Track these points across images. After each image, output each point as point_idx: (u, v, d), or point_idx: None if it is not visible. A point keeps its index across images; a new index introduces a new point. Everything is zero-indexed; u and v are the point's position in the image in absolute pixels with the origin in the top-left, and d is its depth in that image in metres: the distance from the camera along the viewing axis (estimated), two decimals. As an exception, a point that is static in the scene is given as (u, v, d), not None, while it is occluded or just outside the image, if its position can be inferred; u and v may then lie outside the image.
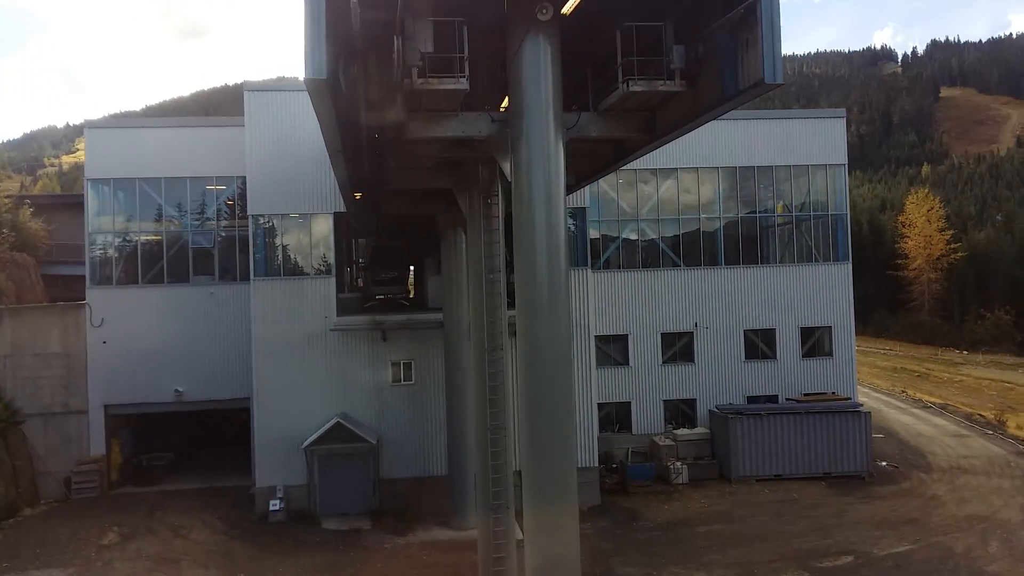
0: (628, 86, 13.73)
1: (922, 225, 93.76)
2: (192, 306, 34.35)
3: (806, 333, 37.03)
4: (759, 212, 36.96)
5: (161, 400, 34.11)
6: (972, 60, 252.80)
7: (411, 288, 41.63)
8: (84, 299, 34.15)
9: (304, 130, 29.42)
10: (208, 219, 34.87)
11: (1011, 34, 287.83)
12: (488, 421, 20.02)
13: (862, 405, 35.00)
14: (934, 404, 52.90)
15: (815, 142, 37.07)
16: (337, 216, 31.28)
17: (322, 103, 13.37)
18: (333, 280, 30.27)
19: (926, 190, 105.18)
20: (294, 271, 30.35)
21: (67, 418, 34.01)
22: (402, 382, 30.02)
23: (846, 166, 37.76)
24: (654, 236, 36.26)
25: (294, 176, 30.08)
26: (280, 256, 30.15)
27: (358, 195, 28.84)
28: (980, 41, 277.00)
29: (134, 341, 33.76)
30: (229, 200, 34.54)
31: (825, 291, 37.12)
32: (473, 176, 20.24)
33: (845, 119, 38.14)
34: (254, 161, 30.07)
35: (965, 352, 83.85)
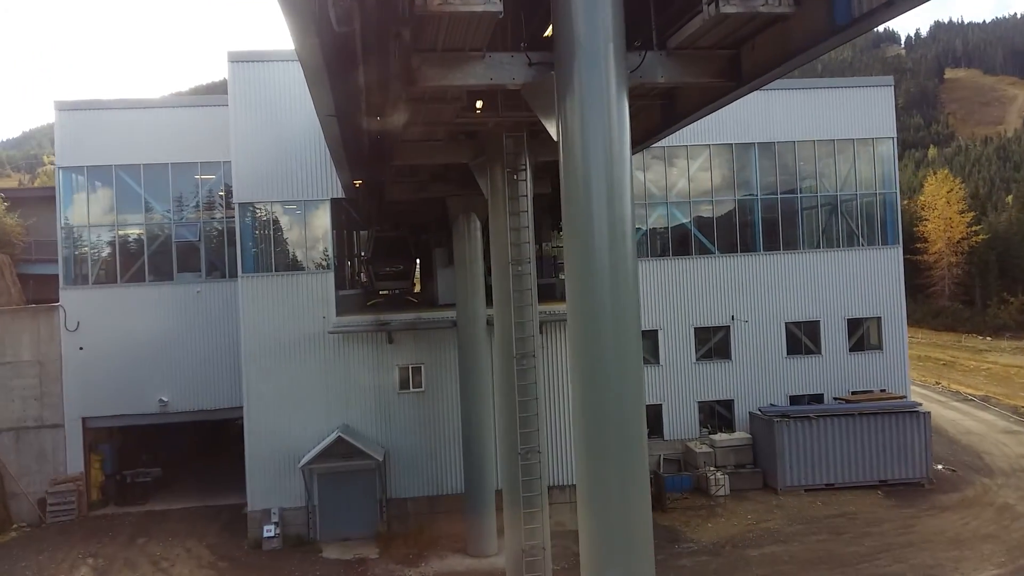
0: (717, 7, 9.97)
1: (942, 207, 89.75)
2: (177, 306, 30.70)
3: (853, 325, 33.31)
4: (800, 192, 33.19)
5: (144, 411, 30.49)
6: (976, 40, 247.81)
7: (416, 282, 37.91)
8: (57, 301, 30.53)
9: (298, 107, 25.73)
10: (194, 209, 31.18)
11: (1016, 13, 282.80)
12: (518, 443, 16.39)
13: (920, 404, 31.29)
14: (975, 396, 49.21)
15: (860, 113, 33.26)
16: (336, 204, 27.62)
17: (305, 39, 9.68)
18: (332, 276, 26.58)
19: (946, 171, 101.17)
20: (287, 266, 26.66)
21: (41, 433, 30.38)
22: (411, 389, 26.36)
23: (895, 139, 33.96)
24: (684, 220, 32.53)
25: (286, 159, 26.37)
26: (271, 249, 26.47)
27: (357, 182, 25.26)
28: (984, 21, 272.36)
29: (113, 346, 30.14)
30: (221, 191, 30.79)
31: (873, 278, 33.37)
32: (495, 148, 16.57)
33: (893, 87, 34.30)
34: (240, 142, 26.35)
35: (989, 338, 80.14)
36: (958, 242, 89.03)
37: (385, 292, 31.93)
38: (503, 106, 15.32)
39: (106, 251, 31.03)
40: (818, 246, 33.13)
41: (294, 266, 26.61)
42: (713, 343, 32.63)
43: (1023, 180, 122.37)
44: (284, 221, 26.88)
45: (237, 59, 26.39)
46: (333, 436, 24.86)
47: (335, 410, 25.95)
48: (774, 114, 32.28)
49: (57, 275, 30.87)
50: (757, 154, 32.75)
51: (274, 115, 26.50)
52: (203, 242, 30.97)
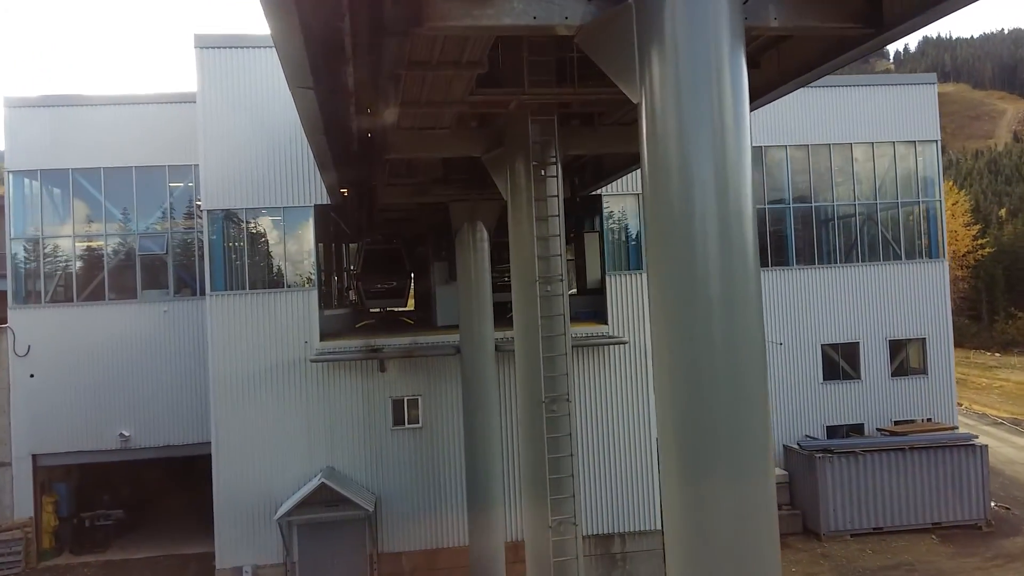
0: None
1: (947, 220, 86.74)
2: (141, 328, 26.86)
3: (895, 347, 29.80)
4: (835, 200, 29.72)
5: (102, 447, 26.62)
6: (965, 55, 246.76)
7: (410, 299, 34.11)
8: (5, 322, 26.67)
9: (277, 100, 22.00)
10: (161, 218, 27.43)
11: (1003, 29, 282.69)
12: (549, 515, 12.67)
13: (976, 436, 27.76)
14: (1004, 420, 45.82)
15: (900, 114, 29.92)
16: (321, 211, 23.97)
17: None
18: (315, 294, 22.83)
19: (951, 183, 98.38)
20: (264, 283, 22.90)
21: (-16, 472, 26.51)
22: (406, 425, 22.59)
23: (938, 143, 30.60)
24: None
25: (263, 160, 22.67)
26: (245, 264, 22.71)
27: (345, 191, 21.63)
28: (972, 37, 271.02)
29: (68, 374, 26.28)
30: (199, 201, 27.04)
31: (916, 295, 29.89)
32: (517, 136, 12.95)
33: (936, 85, 30.97)
34: (209, 141, 22.64)
35: (998, 355, 77.08)
36: (963, 256, 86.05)
37: (377, 310, 28.21)
38: (530, 81, 11.77)
39: (61, 265, 27.22)
40: (856, 259, 29.65)
41: (272, 283, 22.87)
42: (742, 368, 28.97)
43: (1007, 196, 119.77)
44: (260, 231, 23.16)
45: (205, 44, 22.70)
46: (315, 482, 21.05)
47: (318, 451, 22.18)
48: (807, 113, 28.83)
49: (5, 292, 27.02)
50: (789, 157, 29.30)
51: (249, 110, 22.83)
52: (171, 255, 27.19)
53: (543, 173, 12.90)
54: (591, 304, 25.78)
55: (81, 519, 28.13)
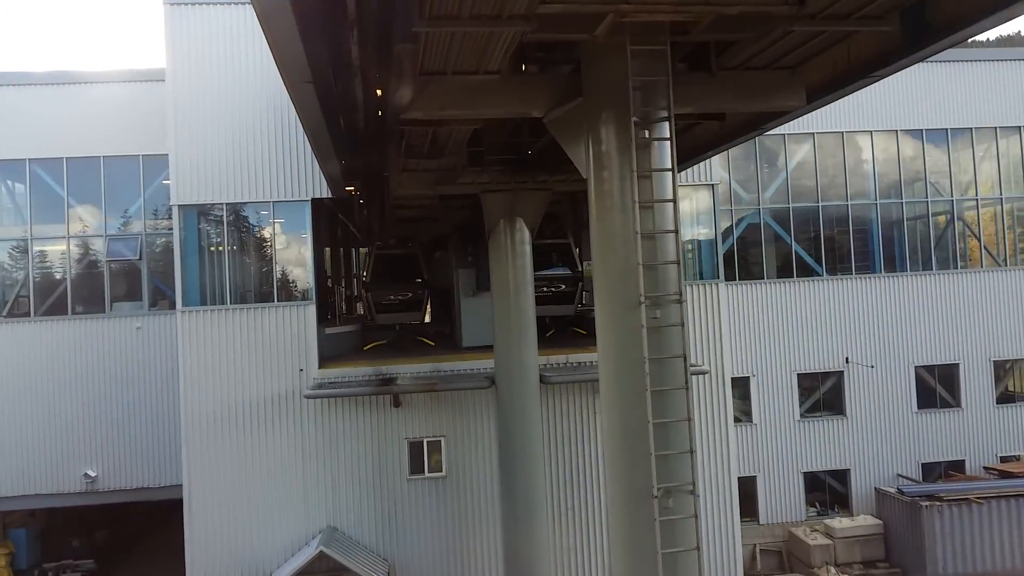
0: None
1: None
2: (110, 348, 22.30)
3: (1000, 369, 24.90)
4: (929, 197, 24.88)
5: (64, 490, 22.04)
6: None
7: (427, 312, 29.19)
8: (-51, 340, 22.18)
9: (264, 70, 17.47)
10: (134, 217, 22.88)
11: None
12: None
13: (1111, 479, 22.80)
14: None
15: (1004, 95, 25.06)
16: (320, 208, 19.38)
17: None
18: (313, 309, 18.11)
19: None
20: (249, 296, 18.24)
21: (-77, 520, 22.02)
22: (426, 473, 17.83)
23: (1056, 129, 25.69)
24: (781, 231, 24.16)
25: (248, 144, 18.03)
26: (226, 271, 18.02)
27: (351, 186, 17.10)
28: None
29: (22, 403, 21.81)
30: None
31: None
32: (608, 78, 8.20)
33: (1046, 61, 26.10)
34: (182, 120, 18.03)
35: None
36: None
37: (388, 326, 23.49)
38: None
39: (16, 273, 22.71)
40: (956, 266, 24.78)
41: (259, 296, 18.19)
42: (822, 394, 24.18)
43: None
44: (245, 232, 18.51)
45: (176, 0, 18.07)
46: (312, 550, 16.31)
47: (316, 506, 17.47)
48: (896, 94, 23.96)
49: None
50: (874, 146, 24.47)
51: (231, 82, 18.23)
52: (145, 261, 22.58)
53: (647, 135, 8.16)
54: (647, 320, 20.99)
55: (43, 572, 23.61)
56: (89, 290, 22.76)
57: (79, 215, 22.83)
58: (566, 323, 21.66)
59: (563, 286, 20.40)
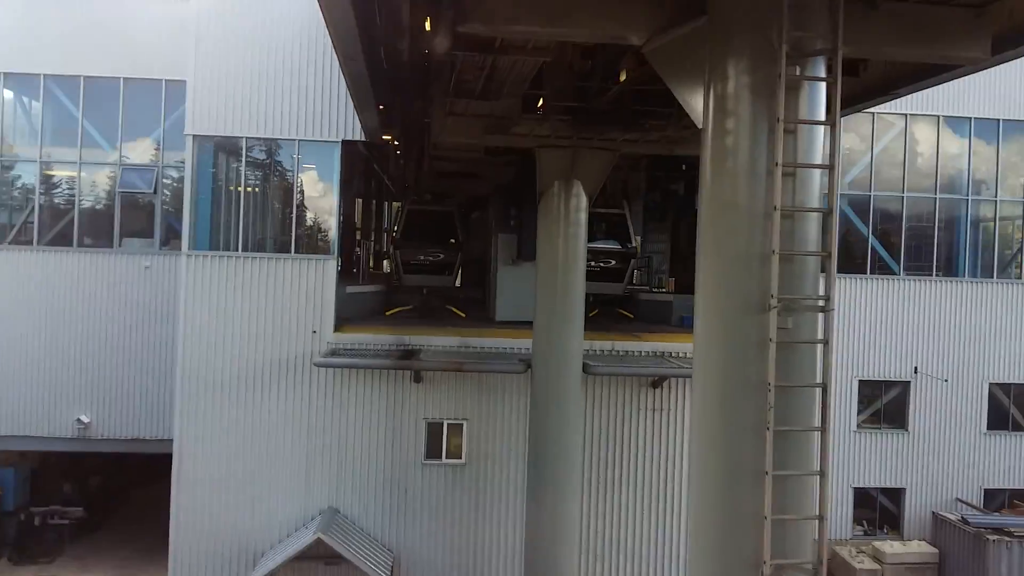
0: None
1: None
2: (116, 286, 20.40)
3: (1083, 392, 22.28)
4: (1027, 195, 22.11)
5: (55, 434, 20.34)
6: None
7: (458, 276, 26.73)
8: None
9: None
10: (152, 147, 20.82)
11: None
12: None
13: None
14: None
15: None
16: (350, 151, 17.15)
17: None
18: (333, 264, 15.97)
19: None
20: (263, 244, 16.12)
21: (-96, 453, 20.46)
22: (443, 459, 15.73)
23: None
24: (859, 222, 21.55)
25: (275, 74, 15.78)
26: (239, 216, 15.88)
27: (388, 135, 14.85)
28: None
29: (18, 338, 20.02)
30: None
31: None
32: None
33: None
34: (203, 39, 15.83)
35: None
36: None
37: (414, 289, 21.34)
38: None
39: (18, 200, 20.82)
40: (1042, 273, 22.06)
41: (275, 245, 16.07)
42: (884, 404, 21.74)
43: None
44: (265, 172, 16.34)
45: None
46: (310, 535, 14.33)
47: (319, 485, 15.49)
48: (1006, 79, 21.06)
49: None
50: (973, 133, 21.67)
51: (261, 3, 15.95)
52: (160, 195, 20.56)
53: (798, 71, 5.79)
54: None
55: (30, 515, 21.99)
56: (97, 222, 20.84)
57: (94, 139, 20.78)
58: (613, 303, 19.33)
59: (613, 262, 18.09)
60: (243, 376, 15.43)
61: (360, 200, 27.47)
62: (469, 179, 20.49)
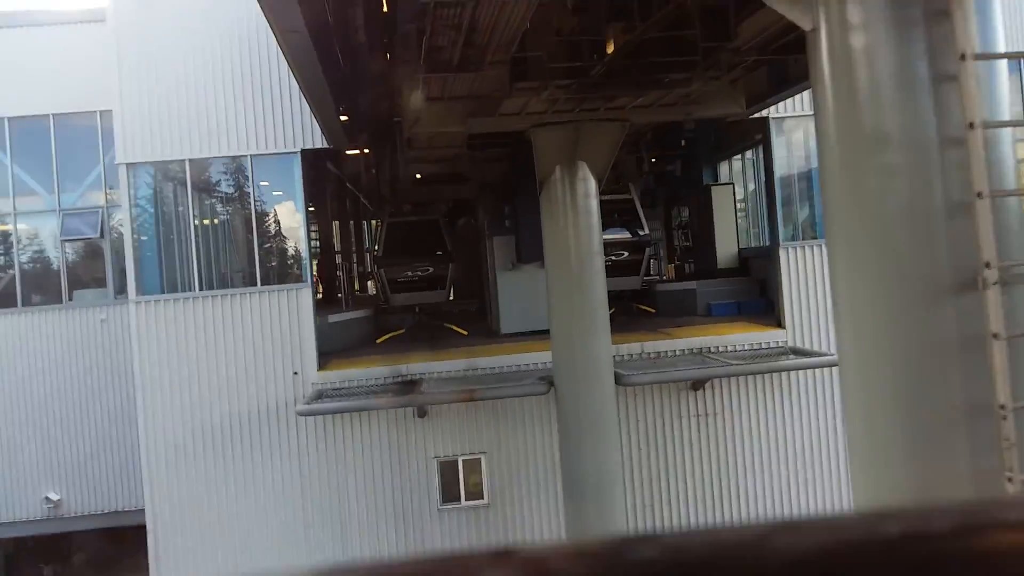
0: None
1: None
2: (70, 345, 18.08)
3: None
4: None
5: (22, 518, 17.97)
6: None
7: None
8: None
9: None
10: (93, 188, 18.52)
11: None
12: None
13: None
14: None
15: None
16: (315, 163, 14.90)
17: None
18: (308, 292, 13.65)
19: None
20: (224, 278, 13.80)
21: None
22: (463, 502, 13.40)
23: None
24: None
25: (211, 80, 13.48)
26: (192, 248, 13.54)
27: (356, 149, 12.76)
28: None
29: (-33, 414, 17.65)
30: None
31: None
32: None
33: None
34: (128, 51, 13.53)
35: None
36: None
37: (405, 308, 19.10)
38: None
39: (-48, 260, 18.46)
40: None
41: (236, 279, 13.75)
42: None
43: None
44: (216, 198, 14.03)
45: None
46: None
47: (320, 544, 13.12)
48: None
49: None
50: None
51: (189, 4, 13.67)
52: (107, 239, 18.22)
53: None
54: (728, 292, 16.52)
55: (9, 608, 19.63)
56: (44, 276, 18.50)
57: (28, 185, 18.45)
58: (630, 299, 17.15)
59: (626, 253, 15.92)
60: (217, 433, 13.09)
61: (337, 221, 25.22)
62: (452, 182, 18.29)
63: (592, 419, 11.61)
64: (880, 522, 0.49)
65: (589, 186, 11.54)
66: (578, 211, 11.53)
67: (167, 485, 13.22)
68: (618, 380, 11.88)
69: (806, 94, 13.81)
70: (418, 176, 19.40)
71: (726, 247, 17.55)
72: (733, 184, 18.22)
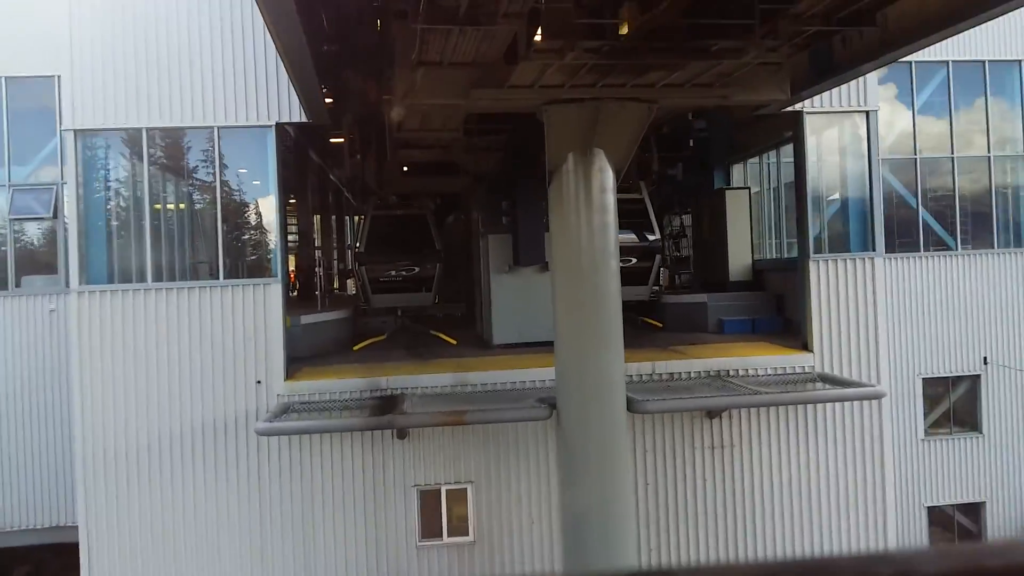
0: None
1: None
2: (15, 338, 16.15)
3: None
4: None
5: (-50, 529, 15.99)
6: None
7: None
8: None
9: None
10: (47, 162, 16.61)
11: None
12: None
13: None
14: None
15: None
16: (292, 142, 13.14)
17: None
18: (279, 288, 11.81)
19: None
20: (181, 270, 11.94)
21: None
22: (444, 538, 11.57)
23: None
24: (904, 190, 17.95)
25: (172, 40, 11.64)
26: (146, 232, 11.67)
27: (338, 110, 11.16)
28: None
29: None
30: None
31: None
32: None
33: None
34: (80, 2, 11.67)
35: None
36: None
37: (387, 310, 17.31)
38: None
39: None
40: None
41: (195, 270, 11.90)
42: (953, 403, 18.12)
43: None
44: (177, 175, 12.18)
45: None
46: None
47: (280, 582, 11.32)
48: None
49: None
50: (1025, 80, 18.21)
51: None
52: (61, 220, 16.30)
53: None
54: (741, 307, 14.88)
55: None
56: (-12, 259, 16.56)
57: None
58: (635, 311, 15.41)
59: (634, 260, 14.25)
60: (165, 446, 11.23)
61: (318, 215, 23.40)
62: (443, 173, 16.51)
63: (600, 449, 9.89)
64: (873, 564, 0.55)
65: (606, 178, 9.83)
66: (593, 207, 9.82)
67: (104, 502, 11.32)
68: (630, 406, 10.15)
69: (843, 88, 12.26)
70: (405, 169, 17.69)
71: (739, 258, 15.93)
72: (749, 188, 16.61)
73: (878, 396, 11.68)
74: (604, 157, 9.77)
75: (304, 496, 11.27)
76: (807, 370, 12.14)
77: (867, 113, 12.52)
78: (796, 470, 12.07)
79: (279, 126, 11.49)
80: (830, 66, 9.84)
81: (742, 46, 7.64)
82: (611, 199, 9.93)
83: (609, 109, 9.18)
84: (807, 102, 11.94)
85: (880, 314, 12.60)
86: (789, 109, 11.87)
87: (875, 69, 9.88)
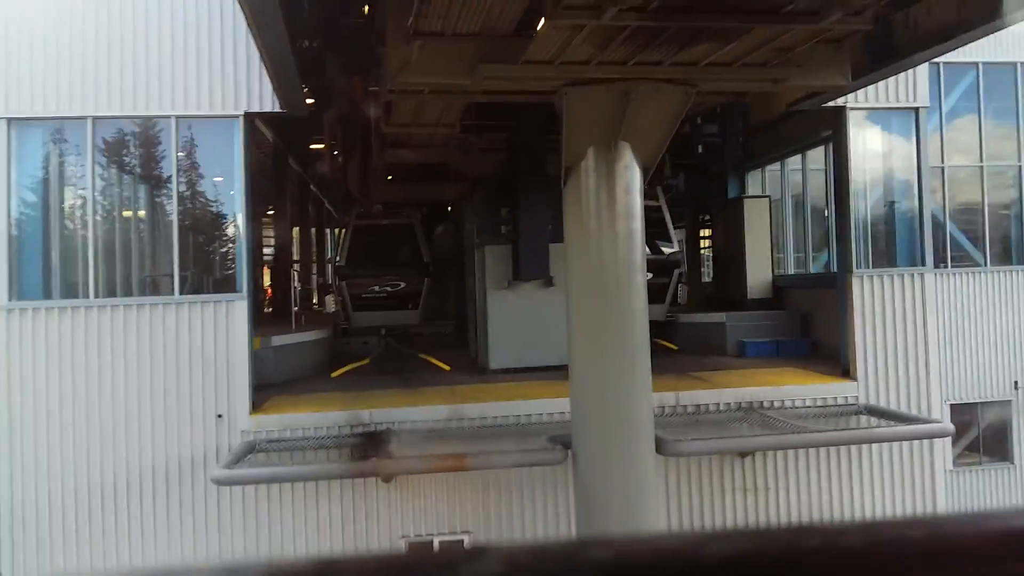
0: None
1: None
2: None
3: None
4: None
5: None
6: None
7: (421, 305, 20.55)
8: None
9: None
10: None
11: None
12: None
13: None
14: None
15: None
16: (263, 138, 11.44)
17: None
18: (245, 306, 10.07)
19: None
20: (130, 283, 10.18)
21: None
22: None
23: None
24: (932, 206, 16.52)
25: (133, 13, 9.97)
26: (91, 240, 9.93)
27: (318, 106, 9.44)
28: None
29: None
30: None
31: None
32: None
33: None
34: (16, -28, 9.96)
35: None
36: None
37: (370, 330, 15.58)
38: None
39: None
40: None
41: (146, 285, 10.15)
42: (981, 432, 16.65)
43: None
44: (128, 173, 10.45)
45: None
46: None
47: (242, 656, 9.53)
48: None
49: None
50: (1058, 85, 16.90)
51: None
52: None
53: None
54: (763, 328, 13.35)
55: None
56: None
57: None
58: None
59: (651, 275, 12.66)
60: (108, 492, 9.43)
61: (297, 227, 21.69)
62: (433, 178, 14.91)
63: (624, 496, 8.26)
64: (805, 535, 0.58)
65: (633, 178, 8.25)
66: (617, 211, 8.23)
67: (36, 558, 9.48)
68: (659, 448, 8.52)
69: (889, 81, 10.80)
70: (389, 178, 16.08)
71: (759, 273, 14.42)
72: (769, 197, 15.12)
73: (945, 434, 10.15)
74: (631, 152, 8.19)
75: (273, 550, 9.49)
76: (850, 401, 10.58)
77: (916, 110, 11.06)
78: (839, 516, 10.47)
79: (248, 116, 9.80)
80: (889, 50, 8.37)
81: (820, 6, 6.09)
82: (638, 202, 8.36)
83: (641, 92, 7.61)
84: (849, 97, 10.48)
85: (931, 336, 11.08)
86: (830, 104, 10.38)
87: (949, 51, 8.37)
